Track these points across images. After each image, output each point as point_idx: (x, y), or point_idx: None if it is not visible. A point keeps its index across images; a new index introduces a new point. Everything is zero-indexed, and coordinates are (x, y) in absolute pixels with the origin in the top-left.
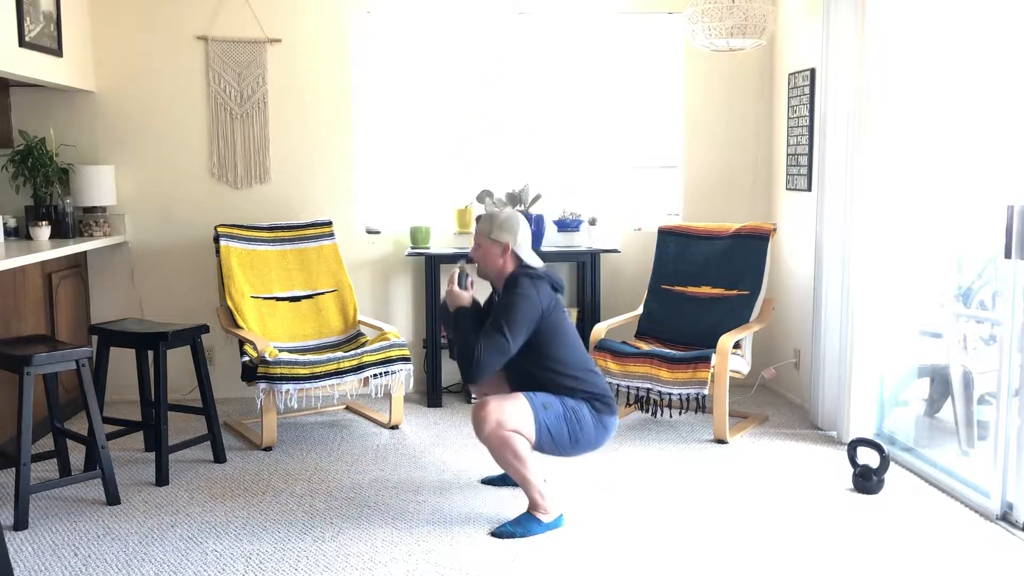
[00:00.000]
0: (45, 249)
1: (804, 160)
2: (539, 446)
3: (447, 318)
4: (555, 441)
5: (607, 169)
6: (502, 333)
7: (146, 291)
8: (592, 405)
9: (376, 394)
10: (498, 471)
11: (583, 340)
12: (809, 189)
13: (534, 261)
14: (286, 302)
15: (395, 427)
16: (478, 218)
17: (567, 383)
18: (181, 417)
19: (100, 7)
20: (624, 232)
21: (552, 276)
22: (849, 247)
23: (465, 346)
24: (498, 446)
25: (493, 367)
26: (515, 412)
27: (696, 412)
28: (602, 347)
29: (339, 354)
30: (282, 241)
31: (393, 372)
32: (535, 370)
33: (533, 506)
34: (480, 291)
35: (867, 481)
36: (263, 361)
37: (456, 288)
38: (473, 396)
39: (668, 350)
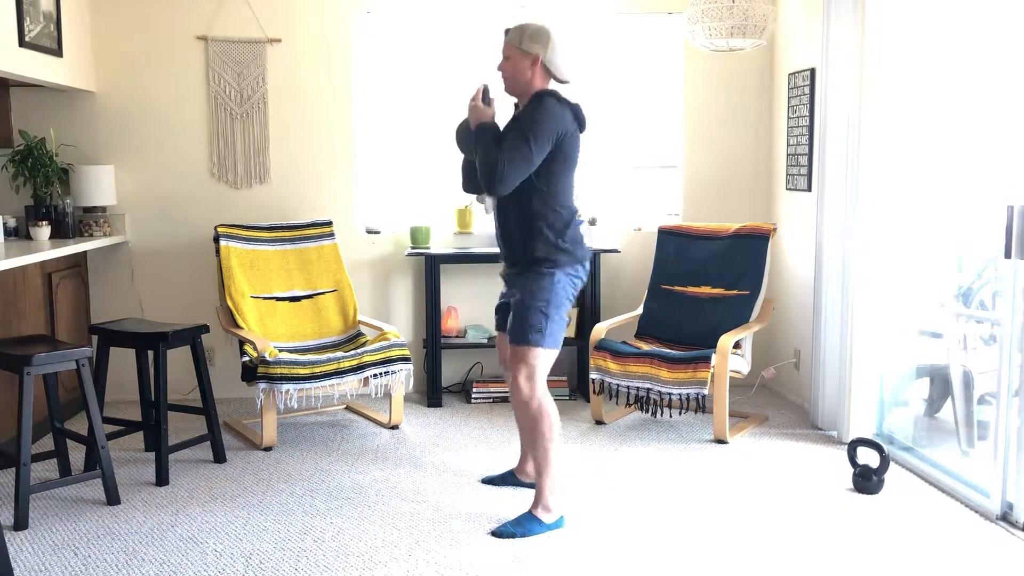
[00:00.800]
0: (45, 249)
1: (804, 160)
2: (559, 346)
3: (466, 135)
4: (560, 332)
5: (607, 169)
6: (527, 142)
7: (146, 291)
8: (557, 263)
9: (376, 394)
10: (498, 471)
11: (583, 341)
12: (809, 189)
13: (567, 75)
14: (286, 302)
15: (395, 427)
16: (506, 30)
17: (549, 217)
18: (181, 417)
19: (100, 7)
20: (624, 232)
21: (578, 109)
22: (849, 247)
23: (487, 158)
24: (536, 416)
25: (516, 177)
26: (533, 362)
27: (696, 412)
28: (602, 347)
29: (339, 354)
30: (282, 241)
31: (393, 372)
32: (526, 195)
33: (537, 500)
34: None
35: (867, 481)
36: (263, 361)
37: (480, 103)
38: (473, 396)
39: (668, 350)
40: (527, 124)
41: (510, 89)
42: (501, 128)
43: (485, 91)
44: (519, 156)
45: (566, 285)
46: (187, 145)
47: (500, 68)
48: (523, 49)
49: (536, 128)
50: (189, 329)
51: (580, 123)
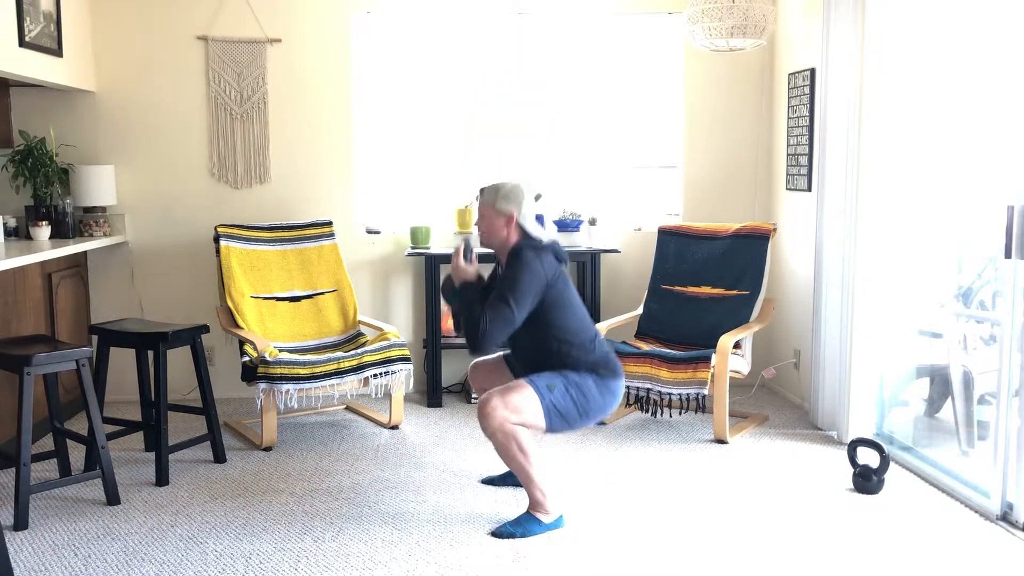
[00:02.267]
0: (45, 249)
1: (804, 160)
2: (551, 428)
3: (451, 292)
4: (565, 418)
5: (607, 169)
6: (507, 304)
7: (146, 291)
8: (597, 373)
9: (376, 394)
10: (498, 471)
11: None
12: (809, 189)
13: (538, 232)
14: (286, 302)
15: (395, 427)
16: (481, 190)
17: (572, 352)
18: (181, 417)
19: (100, 7)
20: (624, 232)
21: (556, 247)
22: (849, 247)
23: (471, 319)
24: (504, 442)
25: (499, 338)
26: (520, 402)
27: (696, 412)
28: None
29: (339, 354)
30: (282, 241)
31: (393, 372)
32: (541, 339)
33: (534, 505)
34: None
35: (867, 481)
36: (263, 361)
37: (461, 262)
38: (474, 396)
39: (668, 350)
40: (508, 285)
41: (487, 245)
42: (495, 274)
43: (467, 250)
44: (500, 318)
45: (598, 390)
46: (187, 145)
47: (477, 225)
48: (497, 209)
49: (516, 289)
50: (189, 329)
51: (562, 261)
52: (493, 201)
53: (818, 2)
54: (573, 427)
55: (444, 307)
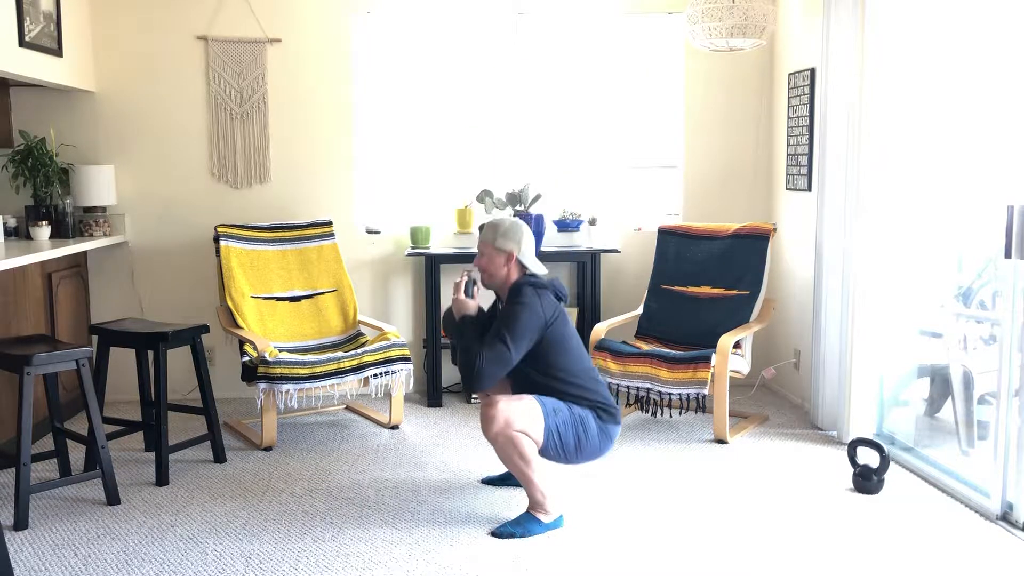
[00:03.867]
0: (45, 249)
1: (804, 160)
2: (545, 451)
3: (452, 326)
4: (561, 446)
5: (607, 169)
6: (504, 343)
7: (146, 291)
8: (596, 414)
9: (376, 394)
10: (498, 471)
11: (584, 341)
12: (809, 189)
13: (538, 269)
14: (286, 302)
15: (395, 427)
16: (481, 227)
17: (571, 391)
18: (181, 417)
19: (100, 7)
20: (624, 232)
21: (556, 285)
22: (849, 247)
23: (468, 355)
24: (504, 445)
25: (494, 377)
26: (524, 413)
27: (696, 412)
28: (602, 347)
29: (339, 354)
30: (282, 241)
31: (393, 372)
32: (539, 379)
33: (534, 506)
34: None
35: (867, 481)
36: (263, 361)
37: (462, 296)
38: (474, 396)
39: (668, 350)
40: (505, 323)
41: (488, 283)
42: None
43: (469, 282)
44: (496, 356)
45: (597, 430)
46: (187, 145)
47: (477, 263)
48: (497, 247)
49: (514, 328)
50: (189, 329)
51: (562, 298)
52: (493, 239)
53: (818, 2)
54: (565, 459)
55: (444, 306)
